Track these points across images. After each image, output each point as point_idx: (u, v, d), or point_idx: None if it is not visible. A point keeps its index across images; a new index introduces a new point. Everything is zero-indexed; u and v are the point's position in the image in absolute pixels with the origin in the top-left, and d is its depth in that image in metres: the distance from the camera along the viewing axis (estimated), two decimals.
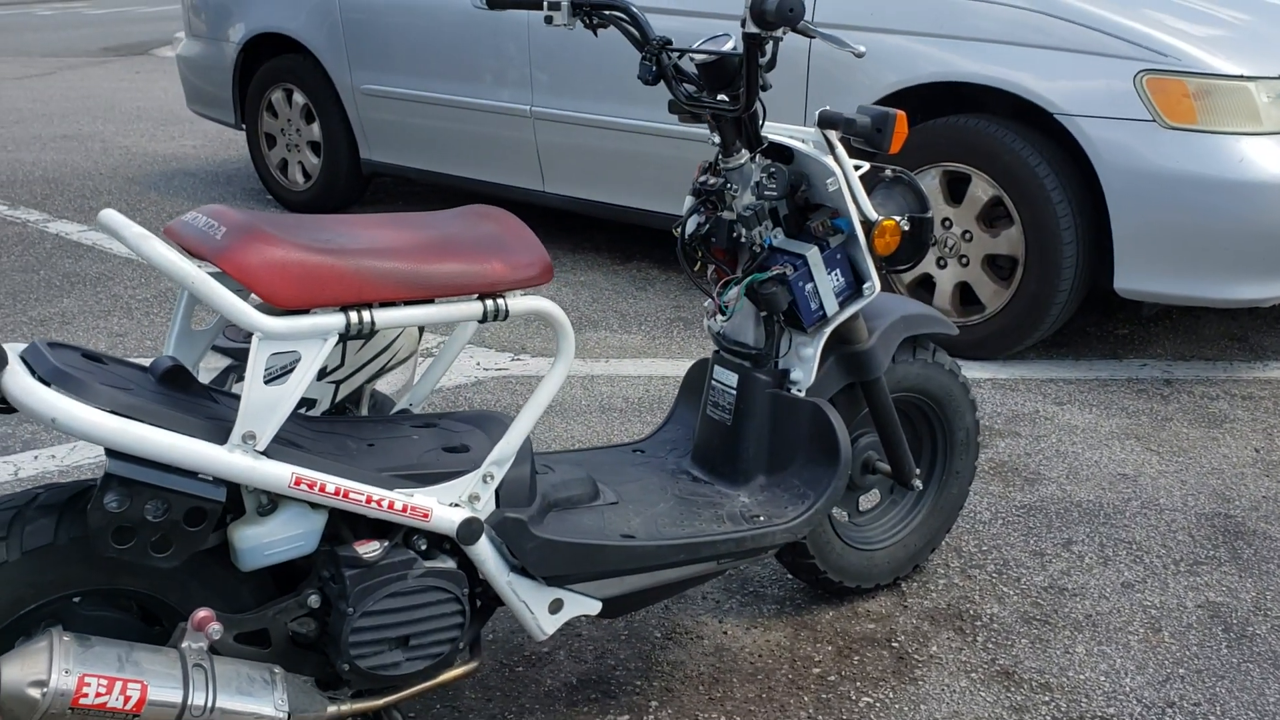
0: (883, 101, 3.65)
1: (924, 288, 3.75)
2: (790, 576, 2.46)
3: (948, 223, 3.64)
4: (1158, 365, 3.64)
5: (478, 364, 3.63)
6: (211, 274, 1.59)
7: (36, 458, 2.99)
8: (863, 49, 1.99)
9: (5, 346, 1.46)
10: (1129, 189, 3.30)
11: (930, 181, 3.62)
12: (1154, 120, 3.24)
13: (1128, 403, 3.35)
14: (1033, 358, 3.69)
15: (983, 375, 3.53)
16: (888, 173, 2.17)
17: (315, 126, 5.20)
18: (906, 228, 2.11)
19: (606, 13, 2.09)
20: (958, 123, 3.56)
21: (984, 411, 3.28)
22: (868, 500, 2.45)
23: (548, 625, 1.85)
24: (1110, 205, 3.34)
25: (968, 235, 3.61)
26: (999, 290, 3.58)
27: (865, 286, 2.10)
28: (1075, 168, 3.44)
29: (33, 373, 1.47)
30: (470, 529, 1.70)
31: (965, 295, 3.69)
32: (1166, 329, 3.96)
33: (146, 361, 1.69)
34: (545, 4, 2.12)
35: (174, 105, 8.16)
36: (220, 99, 5.59)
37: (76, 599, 1.59)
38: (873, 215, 2.07)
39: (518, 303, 1.72)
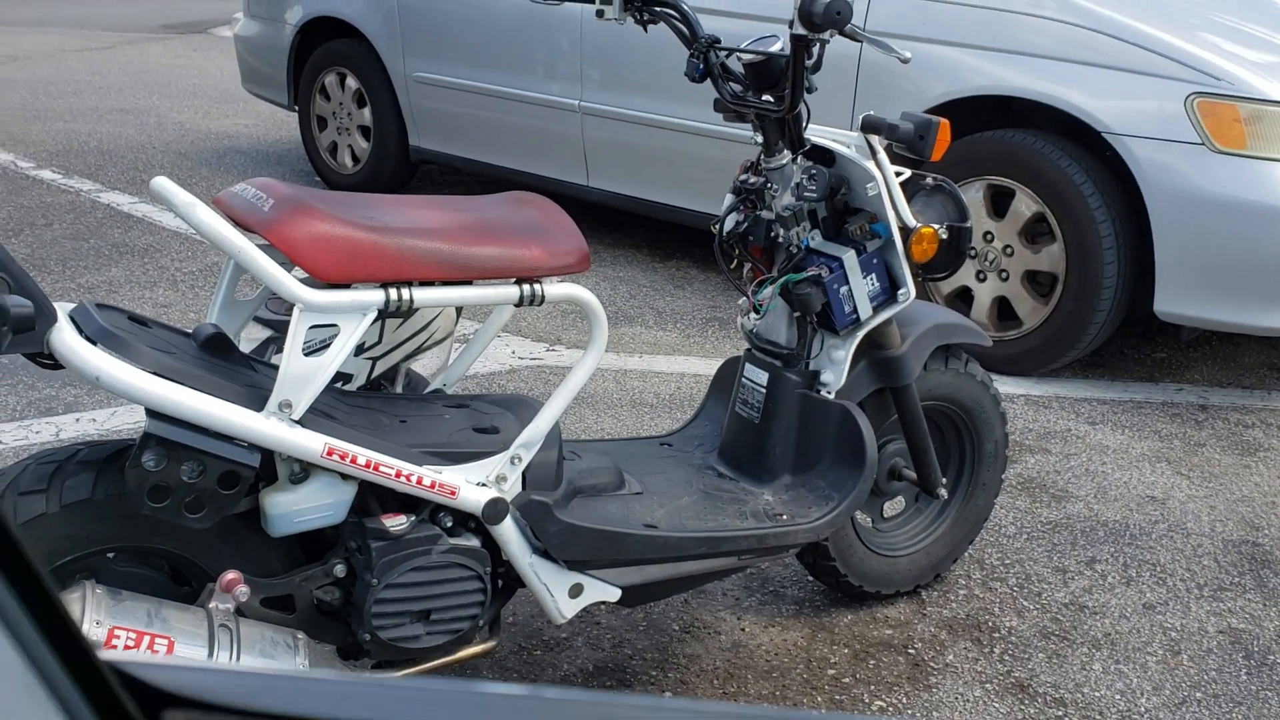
0: (930, 112, 3.65)
1: (962, 300, 3.74)
2: (810, 578, 2.47)
3: (989, 236, 3.63)
4: (1194, 390, 3.61)
5: (512, 352, 3.67)
6: (259, 245, 1.62)
7: (78, 420, 3.06)
8: (908, 55, 2.00)
9: (55, 305, 1.50)
10: (1174, 211, 3.28)
11: (974, 195, 3.62)
12: (1203, 144, 3.22)
13: (1161, 426, 3.33)
14: (1068, 376, 3.67)
15: (1017, 391, 3.52)
16: (929, 180, 2.17)
17: (366, 111, 5.26)
18: (945, 236, 2.11)
19: (658, 9, 2.12)
20: (1004, 137, 3.56)
21: (1015, 427, 3.28)
22: (892, 507, 2.46)
23: (567, 609, 1.88)
24: (1154, 227, 3.32)
25: (1009, 250, 3.60)
26: (1037, 307, 3.57)
27: (900, 292, 2.10)
28: (1121, 187, 3.43)
29: (80, 332, 1.51)
30: (496, 509, 1.73)
31: (1003, 310, 3.68)
32: (1205, 354, 3.93)
33: (189, 330, 1.74)
34: None
35: (229, 84, 8.27)
36: (275, 80, 5.66)
37: (110, 555, 1.63)
38: (911, 222, 2.08)
39: (554, 289, 1.75)
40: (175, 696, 0.51)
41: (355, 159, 5.41)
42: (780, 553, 2.10)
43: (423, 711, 0.51)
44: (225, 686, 0.52)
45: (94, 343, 1.50)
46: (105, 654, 0.48)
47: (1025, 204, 3.53)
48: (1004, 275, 3.62)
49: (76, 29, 11.28)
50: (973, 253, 3.66)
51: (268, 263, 1.56)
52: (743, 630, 2.31)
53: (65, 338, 1.47)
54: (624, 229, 5.04)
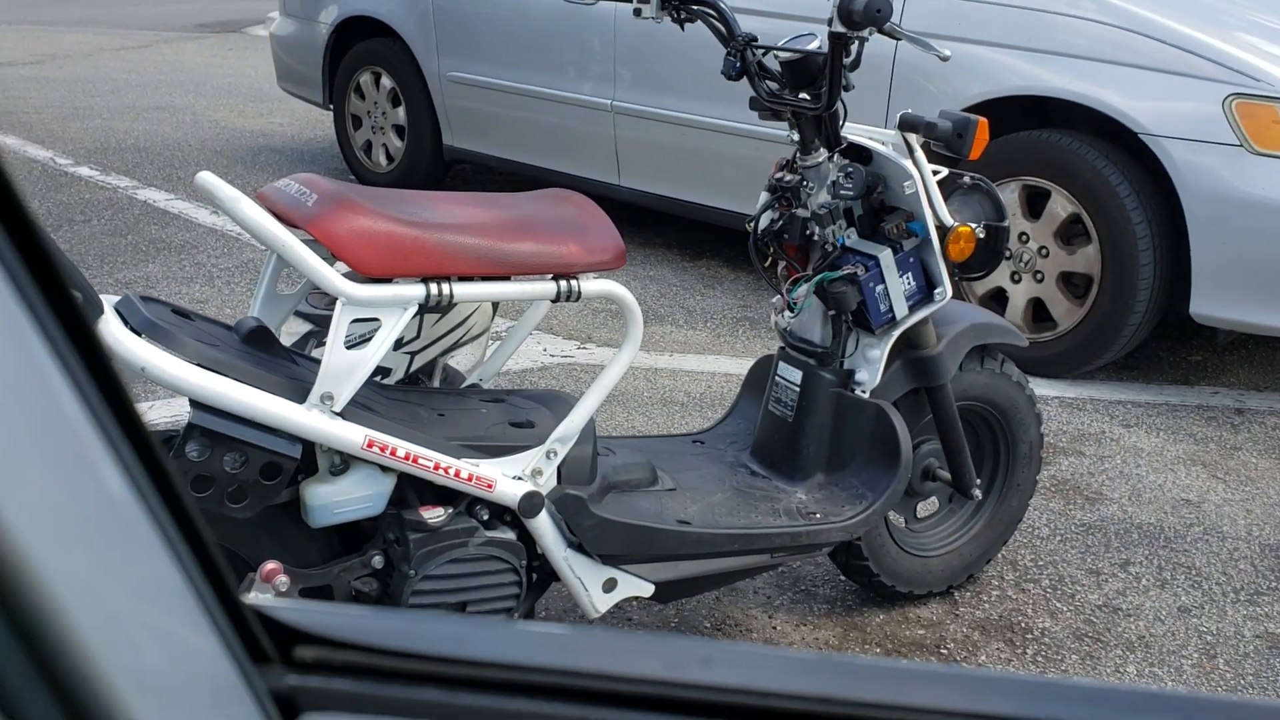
0: (966, 112, 3.62)
1: (997, 302, 3.72)
2: (843, 578, 2.47)
3: (1025, 238, 3.61)
4: (1230, 394, 3.58)
5: (545, 350, 3.68)
6: (302, 240, 1.64)
7: None
8: (948, 53, 2.00)
9: (101, 296, 1.52)
10: (1211, 213, 3.25)
11: (1009, 195, 3.60)
12: (1241, 145, 3.19)
13: (1196, 429, 3.31)
14: (1102, 378, 3.65)
15: (1051, 393, 3.50)
16: (966, 179, 2.17)
17: (401, 110, 5.29)
18: (982, 235, 2.11)
19: (695, 7, 2.12)
20: (1040, 137, 3.54)
21: (1049, 429, 3.26)
22: (926, 507, 2.45)
23: (600, 603, 1.89)
24: (1191, 229, 3.29)
25: (1044, 251, 3.58)
26: (1072, 308, 3.55)
27: (936, 292, 2.10)
28: (1157, 189, 3.40)
29: (125, 323, 1.54)
30: (531, 502, 1.74)
31: (1038, 312, 3.66)
32: (1242, 358, 3.89)
33: (231, 323, 1.76)
34: None
35: (264, 83, 8.34)
36: (310, 79, 5.70)
37: None
38: (948, 221, 2.08)
39: (590, 285, 1.76)
40: (305, 634, 0.54)
41: (390, 158, 5.44)
42: (812, 551, 2.10)
43: (535, 651, 0.53)
44: (349, 625, 0.54)
45: (139, 334, 1.53)
46: (246, 597, 0.51)
47: (1061, 205, 3.52)
48: (1039, 276, 3.61)
49: (114, 28, 11.41)
50: (1008, 254, 3.64)
51: (311, 257, 1.58)
52: (774, 629, 2.31)
53: (111, 329, 1.49)
54: (654, 228, 5.05)
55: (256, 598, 0.55)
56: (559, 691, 0.53)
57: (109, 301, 1.56)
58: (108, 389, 0.44)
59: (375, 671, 0.54)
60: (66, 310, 0.42)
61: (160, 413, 3.11)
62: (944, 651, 2.25)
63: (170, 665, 0.45)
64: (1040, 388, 3.53)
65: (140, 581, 0.45)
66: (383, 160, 5.47)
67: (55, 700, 0.40)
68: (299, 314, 1.91)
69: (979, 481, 2.32)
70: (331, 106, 5.65)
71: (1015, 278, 3.65)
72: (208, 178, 1.61)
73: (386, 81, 5.32)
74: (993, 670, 2.09)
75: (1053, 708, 0.51)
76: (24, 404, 0.40)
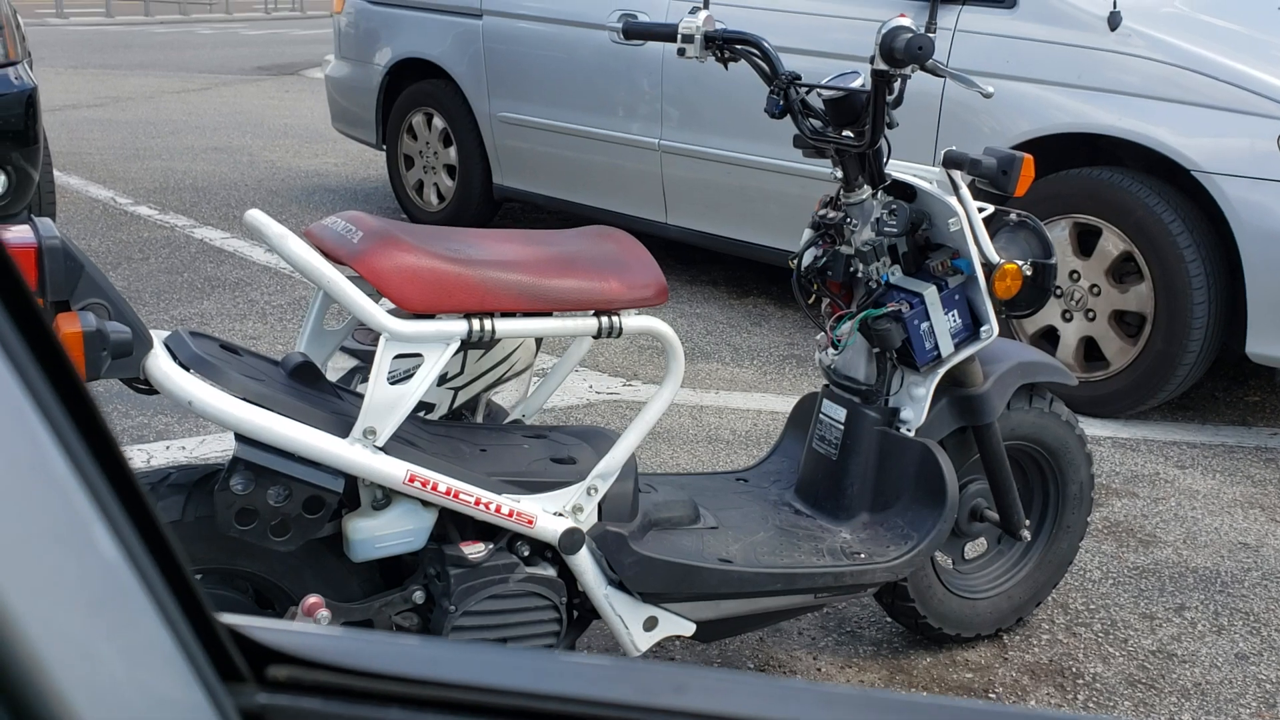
0: (1015, 149, 3.60)
1: (1048, 340, 3.68)
2: (889, 619, 2.44)
3: (1076, 275, 3.57)
4: None
5: (590, 386, 3.69)
6: (348, 276, 1.66)
7: (168, 448, 3.14)
8: (991, 90, 1.99)
9: (151, 332, 1.55)
10: (1267, 251, 3.20)
11: (1060, 233, 3.57)
12: None
13: (1254, 471, 3.23)
14: (1156, 418, 3.58)
15: (1104, 433, 3.45)
16: (1013, 216, 2.15)
17: (452, 150, 5.36)
18: (1028, 273, 2.09)
19: (738, 46, 2.13)
20: (1090, 175, 3.51)
21: (1102, 470, 3.21)
22: (974, 548, 2.41)
23: (641, 642, 1.87)
24: (1246, 267, 3.24)
25: (1095, 289, 3.54)
26: (1125, 347, 3.50)
27: (983, 329, 2.08)
28: (1211, 226, 3.35)
29: (174, 358, 1.56)
30: (572, 539, 1.74)
31: (1090, 350, 3.61)
32: None
33: (278, 359, 1.78)
34: (679, 36, 2.17)
35: (319, 124, 8.49)
36: (363, 120, 5.80)
37: (198, 576, 1.67)
38: (994, 258, 2.06)
39: (632, 321, 1.76)
40: (279, 653, 0.54)
41: (441, 196, 5.51)
42: (857, 592, 2.07)
43: (506, 674, 0.53)
44: (324, 646, 0.55)
45: (187, 369, 1.55)
46: (220, 616, 0.52)
47: (1112, 243, 3.48)
48: (1091, 315, 3.56)
49: (175, 72, 11.70)
50: (1059, 292, 3.61)
51: (356, 293, 1.59)
52: (819, 670, 2.28)
53: (160, 363, 1.51)
54: (701, 266, 5.06)
55: (231, 618, 0.56)
56: (526, 715, 0.53)
57: (159, 337, 1.59)
58: (69, 397, 0.44)
59: (345, 692, 0.54)
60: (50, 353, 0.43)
61: (212, 447, 3.15)
62: (992, 696, 2.21)
63: (130, 683, 0.45)
64: (1093, 428, 3.47)
65: (98, 597, 0.44)
66: (434, 199, 5.54)
67: (4, 716, 0.40)
68: (345, 349, 1.93)
69: (1028, 522, 2.28)
70: (384, 147, 5.73)
71: (1067, 316, 3.61)
72: (256, 215, 1.64)
73: (438, 122, 5.40)
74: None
75: None
76: None
